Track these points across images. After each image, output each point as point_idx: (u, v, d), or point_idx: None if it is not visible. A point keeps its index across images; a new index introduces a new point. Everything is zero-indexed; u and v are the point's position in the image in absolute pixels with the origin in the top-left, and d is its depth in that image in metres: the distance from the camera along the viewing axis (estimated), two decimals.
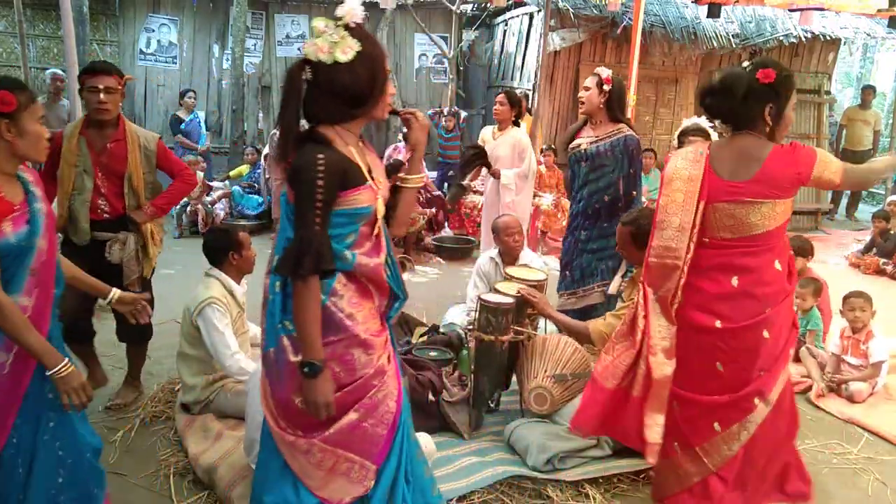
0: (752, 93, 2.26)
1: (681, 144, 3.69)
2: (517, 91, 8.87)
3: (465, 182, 5.16)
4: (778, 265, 2.30)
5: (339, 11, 1.74)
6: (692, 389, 2.38)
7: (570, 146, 4.10)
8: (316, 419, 1.83)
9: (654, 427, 2.35)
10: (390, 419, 1.92)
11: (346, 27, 1.75)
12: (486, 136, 5.21)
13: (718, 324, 2.30)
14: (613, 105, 3.89)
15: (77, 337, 3.14)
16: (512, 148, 4.94)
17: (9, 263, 1.92)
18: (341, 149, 1.79)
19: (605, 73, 3.88)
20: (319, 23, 1.75)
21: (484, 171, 5.02)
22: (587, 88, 3.90)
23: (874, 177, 2.43)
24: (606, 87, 3.83)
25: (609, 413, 2.47)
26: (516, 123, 5.08)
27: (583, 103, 3.94)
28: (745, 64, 2.36)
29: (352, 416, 1.87)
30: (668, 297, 2.34)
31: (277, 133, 1.87)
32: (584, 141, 3.97)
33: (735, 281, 2.28)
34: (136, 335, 3.40)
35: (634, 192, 3.91)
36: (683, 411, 2.41)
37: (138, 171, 3.19)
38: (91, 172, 3.10)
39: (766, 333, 2.29)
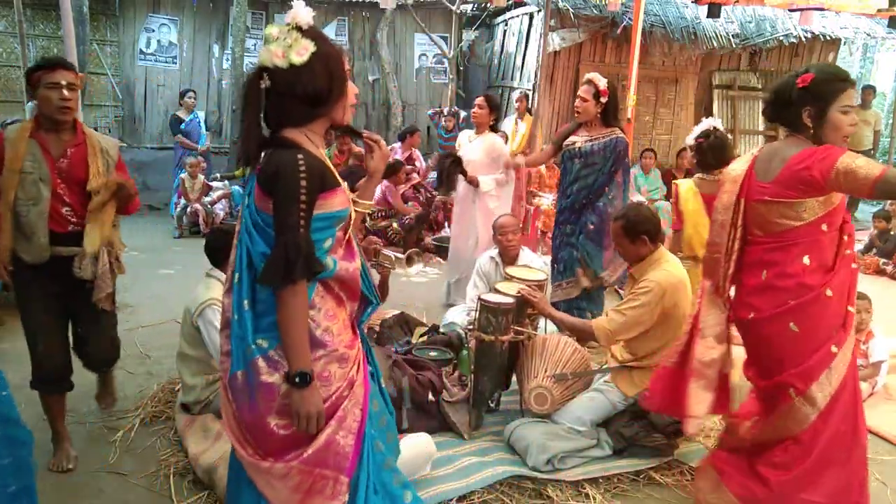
0: (792, 97, 2.30)
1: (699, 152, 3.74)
2: (517, 91, 8.89)
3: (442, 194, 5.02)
4: (806, 260, 2.28)
5: (288, 16, 1.73)
6: (748, 373, 2.53)
7: (565, 144, 4.29)
8: (294, 439, 1.77)
9: (700, 403, 2.46)
10: (356, 428, 1.86)
11: (298, 29, 1.73)
12: (463, 139, 5.12)
13: (751, 315, 2.39)
14: (609, 114, 4.15)
15: (67, 386, 2.93)
16: (486, 153, 4.83)
17: None
18: (313, 151, 1.76)
19: (602, 83, 4.03)
20: (272, 29, 1.74)
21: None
22: (584, 99, 4.10)
23: None
24: (603, 100, 4.08)
25: (669, 389, 2.58)
26: (493, 129, 5.04)
27: (579, 112, 4.13)
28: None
29: (327, 430, 1.80)
30: (718, 288, 2.46)
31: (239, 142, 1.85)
32: (579, 139, 4.20)
33: (764, 274, 2.35)
34: (100, 363, 3.15)
35: (606, 189, 4.14)
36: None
37: (99, 179, 2.85)
38: (48, 180, 2.69)
39: (793, 326, 2.30)
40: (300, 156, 1.69)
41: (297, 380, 1.71)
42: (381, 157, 1.98)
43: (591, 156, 4.14)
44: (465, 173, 4.79)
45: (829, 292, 2.28)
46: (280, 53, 1.70)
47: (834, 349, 2.31)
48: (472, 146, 4.92)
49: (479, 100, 4.92)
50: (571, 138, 4.27)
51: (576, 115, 4.22)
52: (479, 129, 4.94)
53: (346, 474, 1.84)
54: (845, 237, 2.33)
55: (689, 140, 3.81)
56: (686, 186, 3.83)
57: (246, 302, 1.76)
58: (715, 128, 3.70)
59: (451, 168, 4.75)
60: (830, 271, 2.31)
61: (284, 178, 1.67)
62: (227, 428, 1.86)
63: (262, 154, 1.77)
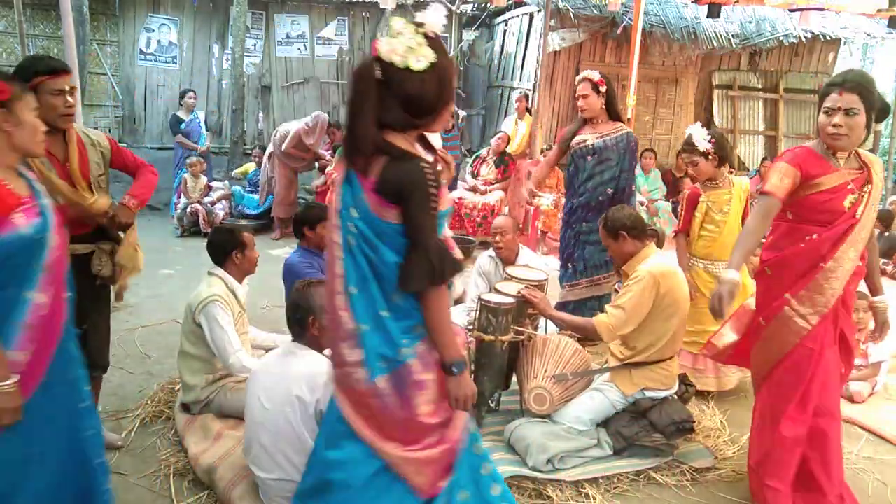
0: None
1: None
2: (517, 91, 8.89)
3: None
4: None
5: (421, 18, 1.70)
6: None
7: (574, 143, 4.27)
8: (432, 427, 1.90)
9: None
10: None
11: (425, 35, 1.70)
12: None
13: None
14: (612, 103, 4.13)
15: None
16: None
17: (22, 260, 1.91)
18: (424, 156, 1.80)
19: (596, 75, 4.03)
20: (397, 23, 1.70)
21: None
22: (585, 96, 4.08)
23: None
24: (603, 89, 4.06)
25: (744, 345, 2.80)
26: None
27: (584, 109, 4.13)
28: None
29: (462, 414, 1.98)
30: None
31: (344, 133, 1.82)
32: (589, 137, 4.19)
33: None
34: (97, 366, 2.99)
35: (633, 187, 4.13)
36: None
37: (78, 177, 2.80)
38: (60, 185, 2.66)
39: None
40: (425, 166, 1.74)
41: (454, 369, 1.86)
42: (448, 173, 2.03)
43: (605, 151, 4.13)
44: None
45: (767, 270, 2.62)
46: (401, 51, 1.68)
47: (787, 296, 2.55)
48: None
49: None
50: (579, 136, 4.24)
51: (581, 112, 4.20)
52: None
53: (459, 449, 1.99)
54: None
55: (703, 145, 3.64)
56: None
57: (383, 312, 1.82)
58: (702, 126, 3.77)
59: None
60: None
61: (418, 190, 1.72)
62: (366, 430, 1.90)
63: (369, 161, 1.75)
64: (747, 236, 2.55)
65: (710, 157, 3.67)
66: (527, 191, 4.68)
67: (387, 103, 1.73)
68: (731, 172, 3.89)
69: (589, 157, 4.18)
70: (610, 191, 4.15)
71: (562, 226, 4.49)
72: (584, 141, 4.20)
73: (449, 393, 1.89)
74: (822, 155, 2.50)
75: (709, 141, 3.64)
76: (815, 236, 2.48)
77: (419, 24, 1.70)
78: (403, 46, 1.67)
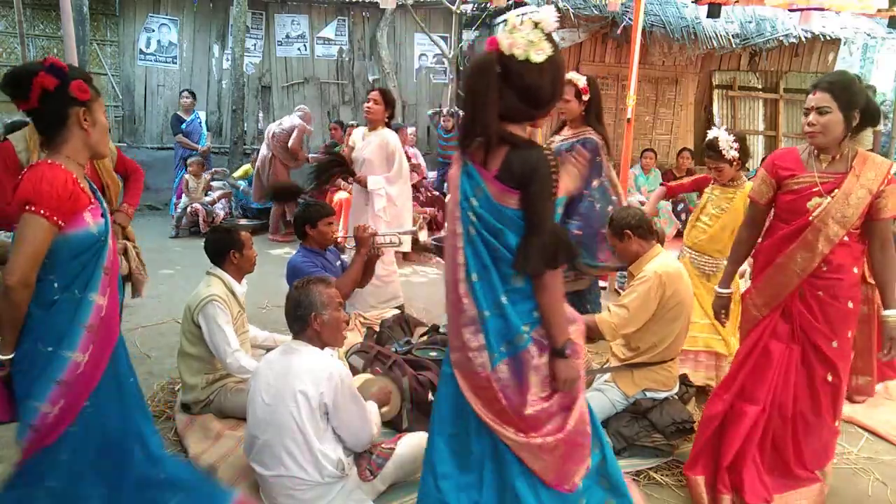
0: None
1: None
2: None
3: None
4: None
5: (537, 17, 1.78)
6: None
7: (547, 142, 4.30)
8: (549, 413, 1.96)
9: None
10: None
11: (542, 31, 1.79)
12: (356, 137, 4.85)
13: None
14: (591, 111, 4.04)
15: None
16: (380, 149, 4.60)
17: (87, 259, 1.95)
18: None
19: (582, 82, 3.95)
20: (515, 19, 1.77)
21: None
22: (567, 100, 4.00)
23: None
24: (585, 97, 3.98)
25: None
26: (388, 124, 4.74)
27: (562, 112, 4.10)
28: None
29: (580, 401, 2.02)
30: None
31: (463, 127, 1.91)
32: (556, 139, 4.19)
33: None
34: None
35: (585, 192, 4.01)
36: None
37: (113, 177, 3.05)
38: None
39: None
40: (547, 153, 1.85)
41: (567, 351, 1.93)
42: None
43: (563, 155, 4.10)
44: (352, 172, 4.59)
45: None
46: (522, 45, 1.75)
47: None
48: (364, 145, 4.67)
49: (374, 94, 4.64)
50: (551, 138, 4.26)
51: (560, 115, 4.18)
52: (373, 126, 4.66)
53: (588, 439, 2.07)
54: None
55: (729, 152, 3.63)
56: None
57: (503, 296, 1.90)
58: (728, 129, 3.73)
59: (327, 166, 4.52)
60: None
61: (542, 176, 1.82)
62: (487, 416, 1.97)
63: (489, 152, 1.86)
64: (736, 246, 2.82)
65: (734, 163, 3.68)
66: None
67: (505, 96, 1.81)
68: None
69: None
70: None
71: None
72: (550, 143, 4.19)
73: (557, 375, 1.94)
74: (801, 156, 2.57)
75: (734, 149, 3.63)
76: (779, 233, 2.62)
77: (536, 22, 1.78)
78: (524, 40, 1.76)
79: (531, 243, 1.83)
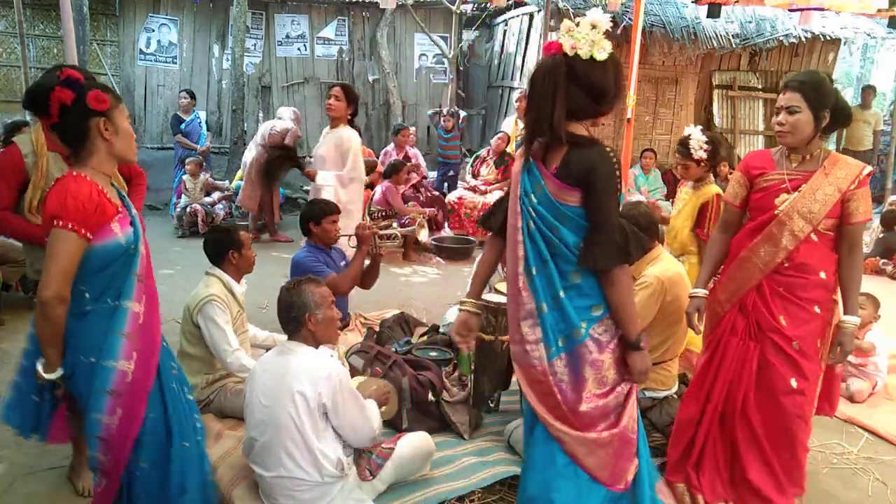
0: None
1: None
2: (517, 91, 8.89)
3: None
4: None
5: (593, 18, 1.86)
6: None
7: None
8: (603, 410, 1.99)
9: None
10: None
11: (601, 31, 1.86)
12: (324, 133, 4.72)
13: None
14: None
15: None
16: (335, 147, 4.46)
17: (118, 268, 1.97)
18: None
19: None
20: (569, 23, 1.88)
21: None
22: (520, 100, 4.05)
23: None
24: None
25: None
26: (350, 122, 4.57)
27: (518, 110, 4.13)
28: None
29: (632, 399, 2.04)
30: None
31: (530, 126, 1.95)
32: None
33: None
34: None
35: None
36: None
37: (118, 179, 3.02)
38: None
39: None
40: (608, 150, 1.89)
41: (641, 343, 1.98)
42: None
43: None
44: (301, 166, 4.48)
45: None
46: (586, 45, 1.84)
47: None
48: (321, 142, 4.57)
49: (336, 90, 4.48)
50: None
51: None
52: (335, 123, 4.51)
53: (637, 436, 2.08)
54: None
55: (698, 152, 3.68)
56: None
57: (561, 291, 1.94)
58: (702, 130, 3.76)
59: (277, 161, 4.42)
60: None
61: (605, 172, 1.87)
62: (543, 410, 2.00)
63: (550, 150, 1.92)
64: (710, 248, 2.80)
65: (701, 164, 3.71)
66: None
67: (572, 95, 1.87)
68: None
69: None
70: None
71: None
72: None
73: (633, 367, 2.00)
74: (773, 156, 2.58)
75: (704, 150, 3.67)
76: (745, 227, 2.62)
77: (593, 23, 1.87)
78: (587, 40, 1.84)
79: (597, 240, 1.88)
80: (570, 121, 1.90)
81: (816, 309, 2.49)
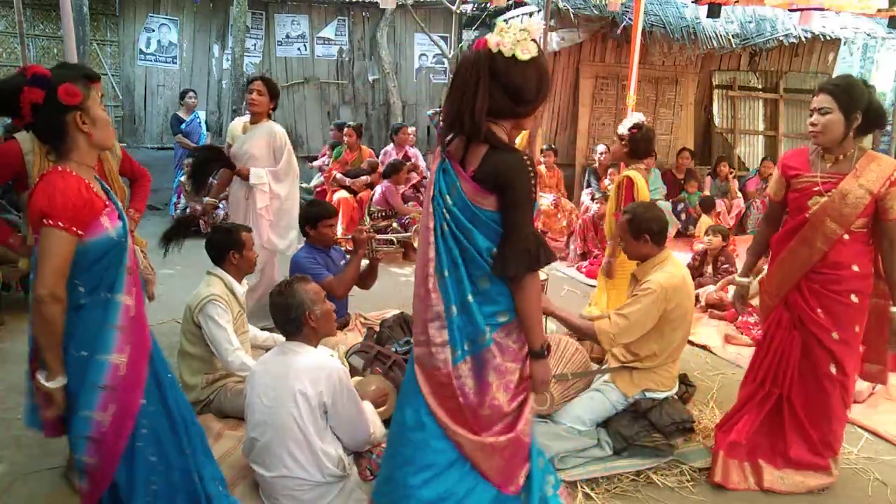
0: None
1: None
2: None
3: (208, 199, 4.49)
4: None
5: (528, 23, 1.88)
6: None
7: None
8: (501, 413, 1.98)
9: None
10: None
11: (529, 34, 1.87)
12: (235, 130, 4.43)
13: None
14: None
15: None
16: (267, 144, 4.21)
17: (110, 262, 1.95)
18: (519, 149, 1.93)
19: None
20: (503, 23, 1.89)
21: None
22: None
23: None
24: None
25: None
26: (270, 116, 4.33)
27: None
28: None
29: (529, 403, 2.07)
30: None
31: (445, 122, 1.93)
32: None
33: None
34: None
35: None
36: None
37: (117, 179, 3.04)
38: None
39: None
40: (525, 158, 1.88)
41: (545, 352, 2.00)
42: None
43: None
44: (231, 166, 4.20)
45: None
46: (508, 44, 1.84)
47: None
48: (247, 138, 4.23)
49: (258, 84, 4.19)
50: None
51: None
52: (257, 118, 4.24)
53: (530, 440, 2.10)
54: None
55: (623, 130, 3.99)
56: (640, 177, 3.99)
57: (470, 296, 1.92)
58: (643, 122, 4.02)
59: (205, 163, 4.10)
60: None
61: (520, 180, 1.85)
62: (443, 414, 1.98)
63: (468, 151, 1.90)
64: (754, 239, 3.06)
65: (623, 141, 3.99)
66: None
67: (492, 92, 1.85)
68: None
69: None
70: None
71: None
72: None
73: (534, 376, 2.02)
74: (809, 157, 2.70)
75: (629, 130, 3.94)
76: (785, 228, 2.80)
77: (523, 28, 1.88)
78: (510, 40, 1.84)
79: (510, 246, 1.86)
80: (489, 119, 1.87)
81: (853, 298, 2.68)
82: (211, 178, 4.49)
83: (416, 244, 4.21)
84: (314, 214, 3.87)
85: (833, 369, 2.73)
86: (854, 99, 2.50)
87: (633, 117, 4.05)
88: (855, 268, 2.64)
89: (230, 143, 4.45)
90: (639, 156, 4.02)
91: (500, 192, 1.86)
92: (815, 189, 2.62)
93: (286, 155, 4.28)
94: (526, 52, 1.84)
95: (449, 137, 1.96)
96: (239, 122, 4.46)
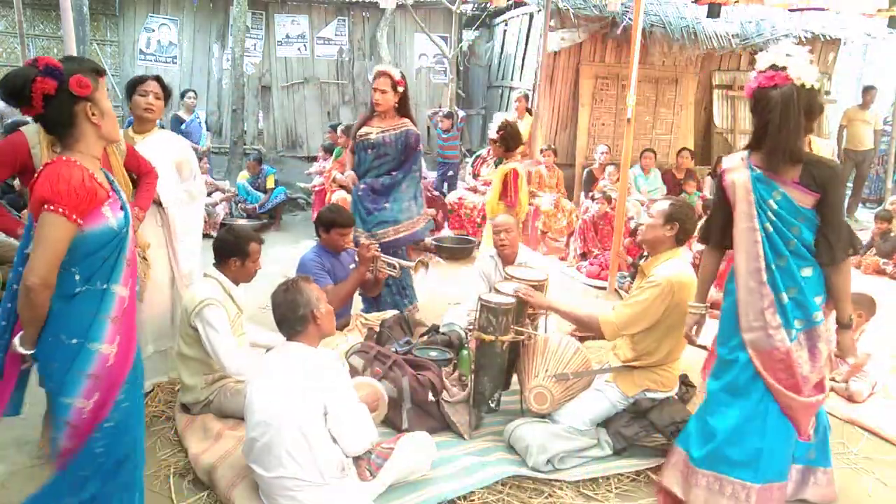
0: None
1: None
2: (517, 91, 8.89)
3: None
4: None
5: (791, 50, 2.27)
6: None
7: (359, 134, 4.38)
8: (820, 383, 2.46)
9: None
10: None
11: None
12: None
13: None
14: (404, 102, 4.30)
15: None
16: (171, 156, 3.53)
17: (109, 253, 1.96)
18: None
19: (397, 74, 4.23)
20: (787, 49, 2.28)
21: None
22: (383, 91, 4.20)
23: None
24: (400, 89, 4.23)
25: None
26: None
27: (378, 104, 4.25)
28: None
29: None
30: None
31: (772, 146, 2.31)
32: (372, 130, 4.31)
33: None
34: None
35: (394, 173, 4.34)
36: None
37: (124, 175, 3.03)
38: None
39: None
40: (838, 167, 2.41)
41: (851, 323, 2.46)
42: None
43: (383, 146, 4.28)
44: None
45: None
46: (811, 78, 2.23)
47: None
48: (141, 146, 3.35)
49: (153, 86, 3.42)
50: (364, 129, 4.33)
51: (375, 106, 4.28)
52: (151, 125, 3.51)
53: None
54: None
55: (492, 134, 4.88)
56: (521, 167, 4.82)
57: (797, 284, 2.35)
58: (507, 120, 4.82)
59: None
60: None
61: (838, 183, 2.34)
62: (776, 382, 2.39)
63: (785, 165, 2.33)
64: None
65: (497, 143, 4.88)
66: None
67: (798, 118, 2.26)
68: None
69: (369, 151, 4.31)
70: (388, 180, 4.31)
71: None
72: (367, 134, 4.31)
73: (842, 343, 2.48)
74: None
75: (497, 133, 4.83)
76: None
77: (792, 54, 2.27)
78: (808, 72, 2.23)
79: (835, 237, 2.31)
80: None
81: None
82: None
83: (417, 273, 4.21)
84: (330, 220, 3.88)
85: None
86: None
87: (497, 118, 4.86)
88: None
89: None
90: (511, 149, 4.86)
91: (821, 192, 2.29)
92: None
93: (197, 169, 3.83)
94: (811, 78, 2.23)
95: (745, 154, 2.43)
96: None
